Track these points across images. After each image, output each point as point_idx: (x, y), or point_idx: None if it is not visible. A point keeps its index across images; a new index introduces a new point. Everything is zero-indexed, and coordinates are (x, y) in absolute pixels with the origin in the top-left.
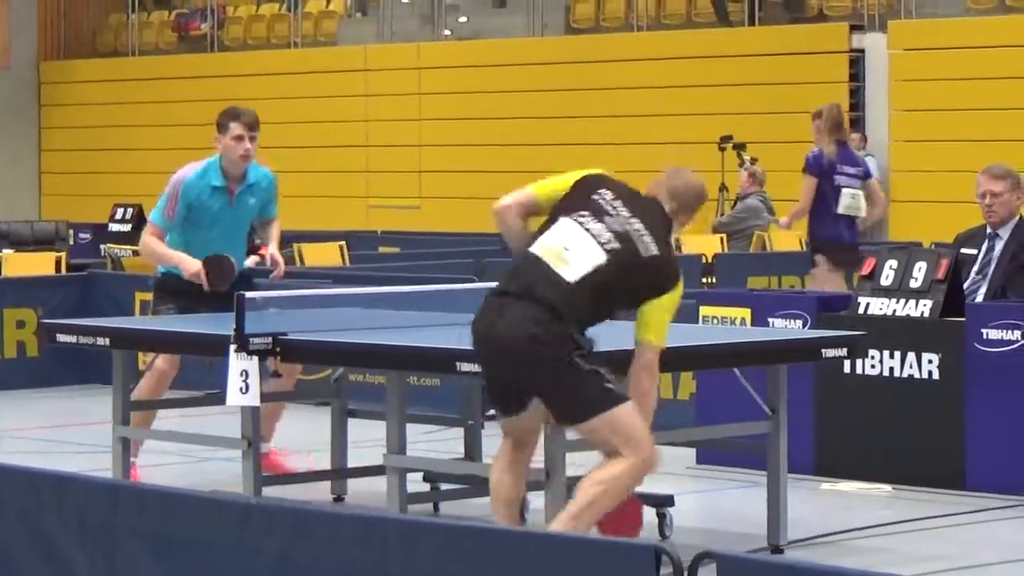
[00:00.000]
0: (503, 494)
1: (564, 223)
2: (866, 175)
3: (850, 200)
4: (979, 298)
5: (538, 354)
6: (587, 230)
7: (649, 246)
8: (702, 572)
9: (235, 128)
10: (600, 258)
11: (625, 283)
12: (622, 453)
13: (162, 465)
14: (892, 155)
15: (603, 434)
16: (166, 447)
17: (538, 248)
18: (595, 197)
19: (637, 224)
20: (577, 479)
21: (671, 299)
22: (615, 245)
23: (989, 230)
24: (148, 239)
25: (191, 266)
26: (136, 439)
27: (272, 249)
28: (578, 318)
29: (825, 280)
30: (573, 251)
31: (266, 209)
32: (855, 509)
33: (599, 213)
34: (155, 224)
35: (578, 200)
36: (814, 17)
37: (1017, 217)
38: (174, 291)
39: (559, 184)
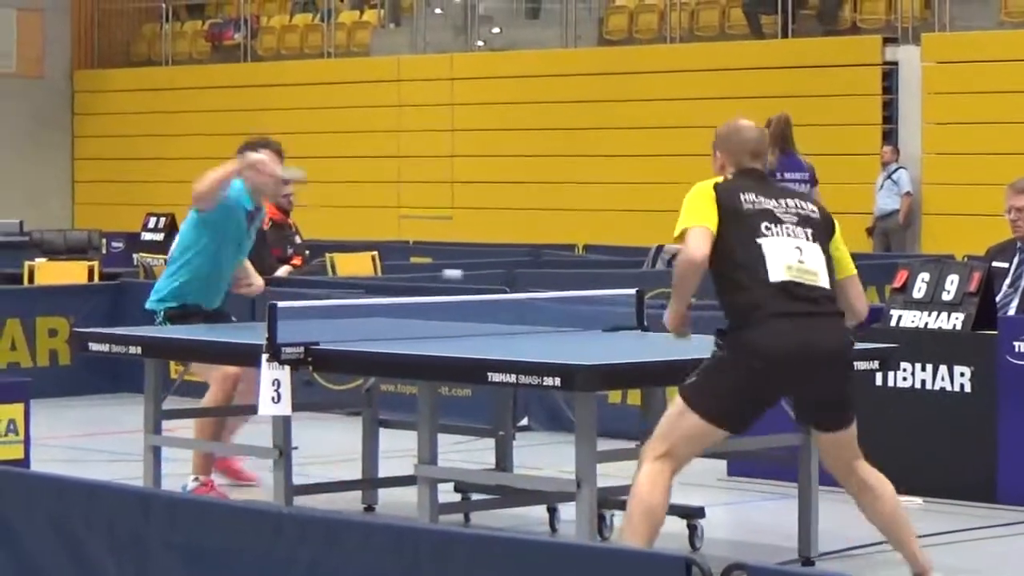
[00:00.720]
0: (661, 518)
1: (766, 244)
2: (811, 180)
3: None
4: (1011, 311)
5: (850, 359)
6: (789, 236)
7: (808, 204)
8: None
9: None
10: (819, 252)
11: (826, 244)
12: (858, 461)
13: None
14: (925, 168)
15: (855, 438)
16: None
17: (782, 276)
18: (744, 200)
19: (784, 199)
20: (608, 489)
21: (839, 234)
22: (808, 230)
23: (1020, 243)
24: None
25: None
26: (203, 453)
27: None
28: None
29: None
30: (806, 260)
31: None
32: None
33: (770, 215)
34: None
35: (737, 211)
36: (847, 29)
37: None
38: (182, 320)
39: (704, 207)
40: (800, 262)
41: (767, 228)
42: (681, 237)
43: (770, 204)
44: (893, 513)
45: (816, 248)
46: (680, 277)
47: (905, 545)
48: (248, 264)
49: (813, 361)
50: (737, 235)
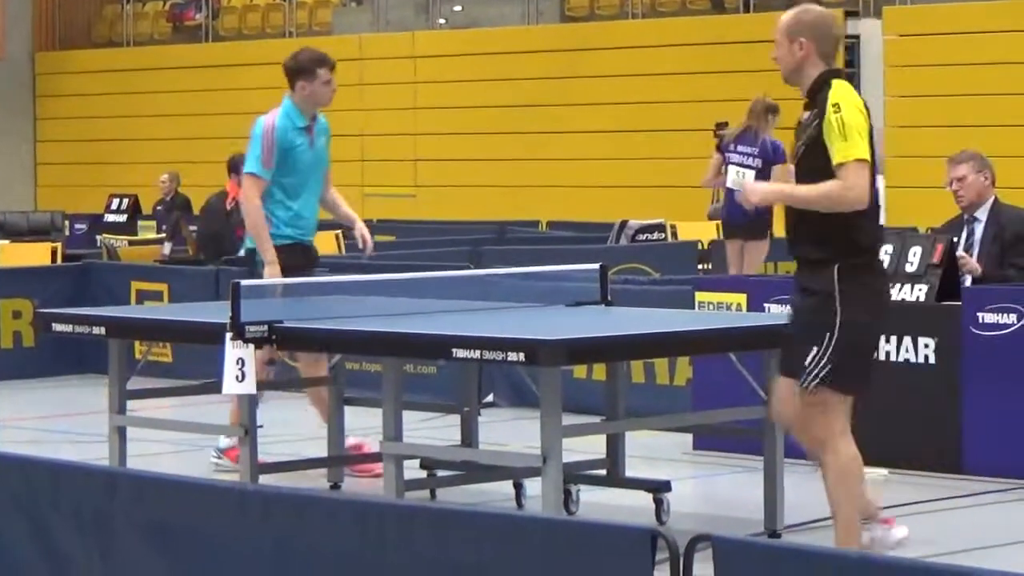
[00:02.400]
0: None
1: (879, 185)
2: (776, 158)
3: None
4: (967, 284)
5: None
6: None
7: None
8: (698, 556)
9: (323, 74)
10: None
11: None
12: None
13: (159, 454)
14: (887, 141)
15: None
16: (162, 436)
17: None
18: (874, 134)
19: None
20: (574, 464)
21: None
22: None
23: (965, 216)
24: (254, 199)
25: (271, 267)
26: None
27: (360, 225)
28: None
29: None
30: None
31: (327, 155)
32: None
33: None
34: (256, 175)
35: (870, 146)
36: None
37: (992, 198)
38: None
39: (863, 131)
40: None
41: (878, 168)
42: (843, 165)
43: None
44: None
45: None
46: (830, 202)
47: None
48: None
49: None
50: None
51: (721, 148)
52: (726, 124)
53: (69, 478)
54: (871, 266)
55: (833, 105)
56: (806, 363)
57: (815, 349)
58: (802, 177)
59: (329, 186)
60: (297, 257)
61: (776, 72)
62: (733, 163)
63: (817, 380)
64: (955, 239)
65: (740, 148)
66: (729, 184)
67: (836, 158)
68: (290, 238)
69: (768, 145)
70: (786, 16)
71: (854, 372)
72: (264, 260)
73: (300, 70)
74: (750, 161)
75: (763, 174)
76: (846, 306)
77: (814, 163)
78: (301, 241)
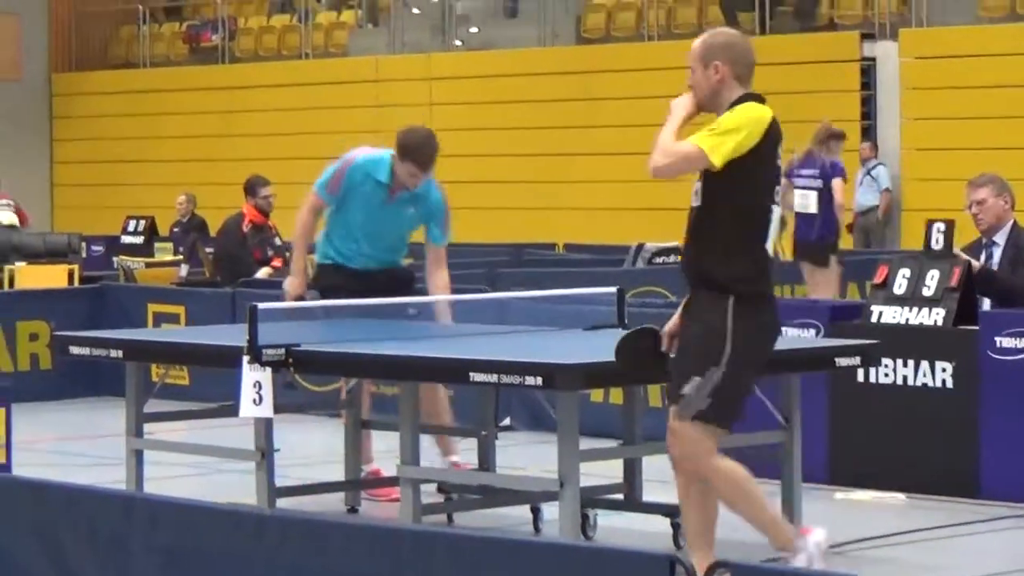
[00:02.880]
0: (752, 482)
1: (774, 213)
2: (837, 174)
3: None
4: (985, 307)
5: None
6: (777, 205)
7: None
8: None
9: (410, 166)
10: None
11: None
12: None
13: (175, 478)
14: (903, 163)
15: None
16: (180, 459)
17: (770, 250)
18: (777, 161)
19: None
20: (591, 488)
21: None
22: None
23: (984, 240)
24: (304, 211)
25: (292, 288)
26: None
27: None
28: None
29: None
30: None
31: (431, 231)
32: (869, 518)
33: (778, 181)
34: (318, 195)
35: (769, 172)
36: (825, 26)
37: (1011, 222)
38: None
39: (736, 141)
40: (775, 234)
41: (776, 193)
42: (692, 144)
43: (779, 162)
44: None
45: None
46: (658, 152)
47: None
48: (442, 275)
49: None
50: (761, 196)
51: (787, 174)
52: None
53: (86, 502)
54: (764, 298)
55: (727, 113)
56: (683, 391)
57: (696, 379)
58: (703, 195)
59: (439, 269)
60: (334, 277)
61: (792, 94)
62: (798, 187)
63: (694, 411)
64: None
65: (803, 171)
66: (796, 208)
67: (692, 137)
68: (332, 260)
69: (826, 164)
70: (697, 42)
71: (732, 408)
72: (292, 270)
73: (400, 148)
74: (812, 183)
75: (825, 194)
76: (736, 342)
77: (714, 181)
78: (345, 265)
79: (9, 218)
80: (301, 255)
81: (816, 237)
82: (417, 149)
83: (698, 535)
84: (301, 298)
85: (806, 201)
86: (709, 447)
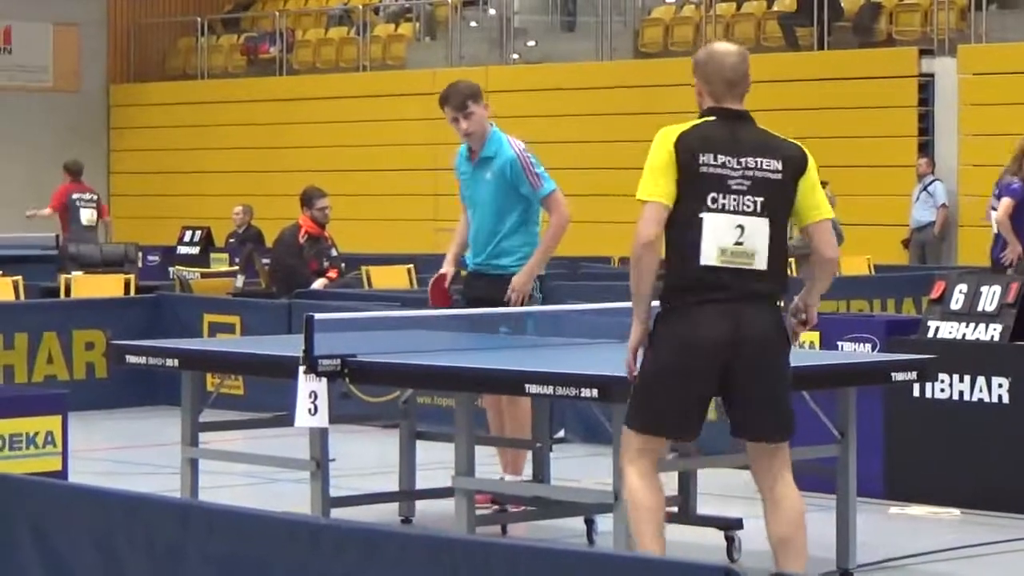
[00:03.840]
0: (660, 519)
1: (708, 221)
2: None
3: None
4: None
5: (784, 344)
6: (732, 211)
7: (773, 163)
8: None
9: (448, 113)
10: (764, 226)
11: (786, 213)
12: (785, 476)
13: (230, 487)
14: (961, 180)
15: (785, 455)
16: (233, 468)
17: (712, 259)
18: (704, 169)
19: (746, 157)
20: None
21: (811, 174)
22: (760, 198)
23: None
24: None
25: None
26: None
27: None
28: (782, 298)
29: None
30: (746, 240)
31: (521, 189)
32: (924, 533)
33: (721, 183)
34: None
35: (694, 181)
36: (883, 42)
37: None
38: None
39: (661, 171)
40: (738, 244)
41: (713, 200)
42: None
43: (728, 166)
44: (787, 538)
45: (762, 222)
46: (633, 262)
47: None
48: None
49: (737, 349)
50: (687, 205)
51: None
52: None
53: (143, 510)
54: (690, 309)
55: None
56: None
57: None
58: None
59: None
60: (467, 282)
61: (850, 109)
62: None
63: (624, 415)
64: None
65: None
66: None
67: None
68: (465, 264)
69: (1003, 184)
70: None
71: (644, 414)
72: None
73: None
74: (994, 202)
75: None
76: (654, 350)
77: None
78: (467, 266)
79: (89, 217)
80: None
81: (993, 256)
82: (442, 98)
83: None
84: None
85: (991, 220)
86: (629, 452)
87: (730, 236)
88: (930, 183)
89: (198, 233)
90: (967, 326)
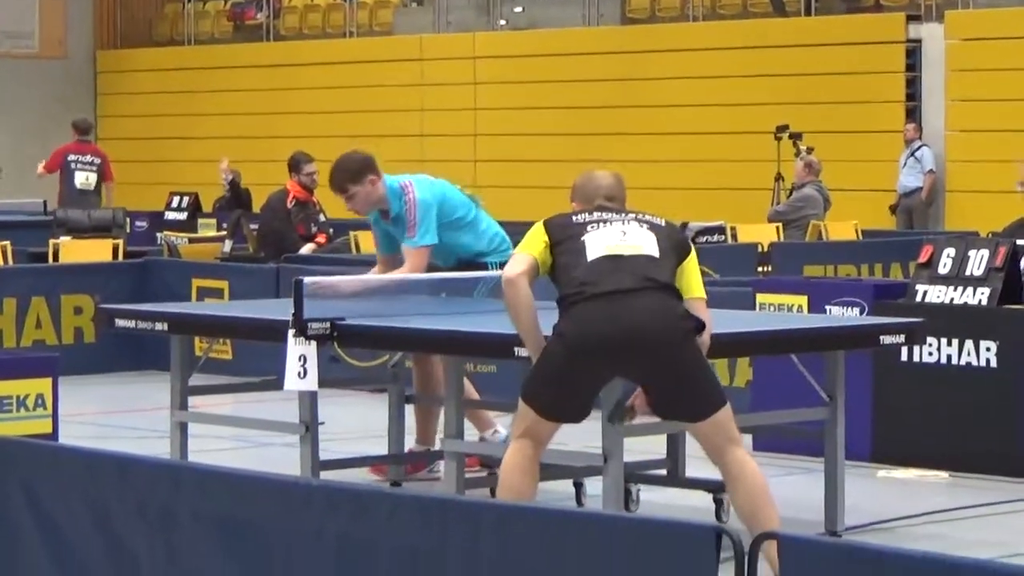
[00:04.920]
0: (529, 497)
1: (591, 238)
2: None
3: None
4: None
5: (684, 332)
6: (614, 227)
7: (656, 219)
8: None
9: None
10: (650, 235)
11: (669, 248)
12: (728, 449)
13: (219, 450)
14: (948, 145)
15: (723, 427)
16: (223, 431)
17: (600, 252)
18: (576, 220)
19: (626, 214)
20: (635, 463)
21: (693, 259)
22: (645, 225)
23: None
24: None
25: None
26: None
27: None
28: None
29: None
30: (630, 238)
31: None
32: (912, 496)
33: (600, 221)
34: None
35: (568, 231)
36: (871, 7)
37: None
38: None
39: (537, 239)
40: (622, 241)
41: (592, 227)
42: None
43: (605, 216)
44: (752, 511)
45: (648, 234)
46: (505, 303)
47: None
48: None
49: (625, 342)
50: (566, 244)
51: None
52: (787, 127)
53: (135, 472)
54: (570, 312)
55: None
56: None
57: None
58: None
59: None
60: None
61: (838, 75)
62: None
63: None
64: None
65: None
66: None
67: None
68: None
69: None
70: None
71: (529, 388)
72: None
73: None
74: None
75: None
76: (553, 335)
77: None
78: None
79: (84, 180)
80: None
81: None
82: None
83: None
84: None
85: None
86: (520, 427)
87: (615, 237)
88: (917, 149)
89: (186, 199)
90: (955, 290)
